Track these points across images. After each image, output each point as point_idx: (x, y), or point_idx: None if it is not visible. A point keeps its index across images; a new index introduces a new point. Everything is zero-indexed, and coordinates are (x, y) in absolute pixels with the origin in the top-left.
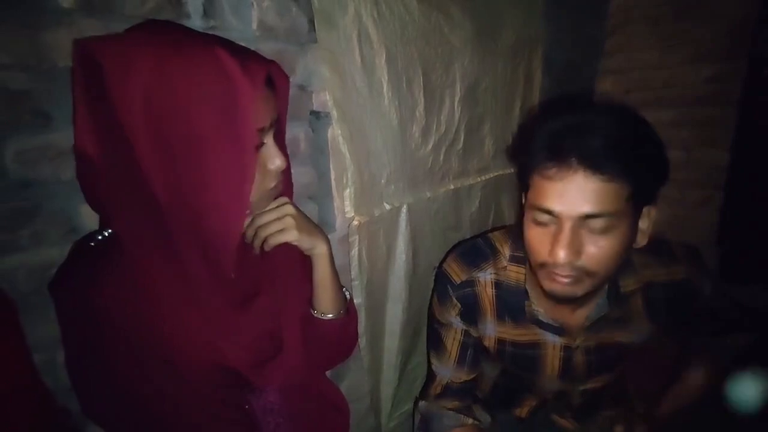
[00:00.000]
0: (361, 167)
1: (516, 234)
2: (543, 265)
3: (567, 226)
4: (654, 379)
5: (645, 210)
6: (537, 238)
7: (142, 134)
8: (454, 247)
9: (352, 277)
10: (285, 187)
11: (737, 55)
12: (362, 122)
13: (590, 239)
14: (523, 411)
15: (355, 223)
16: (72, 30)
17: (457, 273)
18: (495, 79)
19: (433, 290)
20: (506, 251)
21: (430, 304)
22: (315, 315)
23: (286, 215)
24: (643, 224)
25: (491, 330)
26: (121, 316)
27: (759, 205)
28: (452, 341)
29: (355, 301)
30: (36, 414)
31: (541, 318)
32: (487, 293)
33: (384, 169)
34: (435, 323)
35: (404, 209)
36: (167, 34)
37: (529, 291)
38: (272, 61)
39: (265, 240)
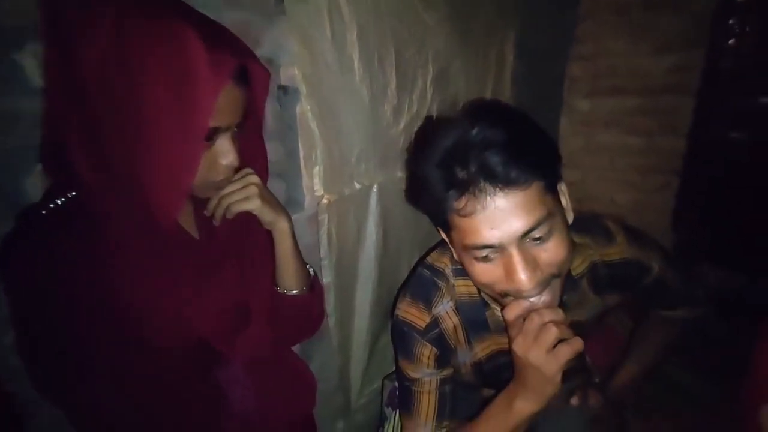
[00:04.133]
0: (330, 145)
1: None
2: (507, 294)
3: (513, 250)
4: (610, 352)
5: (558, 189)
6: (486, 273)
7: (97, 96)
8: (401, 288)
9: (321, 256)
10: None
11: (697, 46)
12: (332, 99)
13: (538, 249)
14: None
15: (325, 201)
16: None
17: (419, 317)
18: (467, 61)
19: (395, 348)
20: (449, 266)
21: (396, 362)
22: (279, 291)
23: (250, 184)
24: (564, 201)
25: (466, 357)
26: (81, 285)
27: (712, 191)
28: (427, 395)
29: (324, 280)
30: None
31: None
32: (453, 323)
33: (354, 148)
34: (405, 380)
35: (375, 188)
36: None
37: (486, 298)
38: (251, 54)
39: (227, 208)
